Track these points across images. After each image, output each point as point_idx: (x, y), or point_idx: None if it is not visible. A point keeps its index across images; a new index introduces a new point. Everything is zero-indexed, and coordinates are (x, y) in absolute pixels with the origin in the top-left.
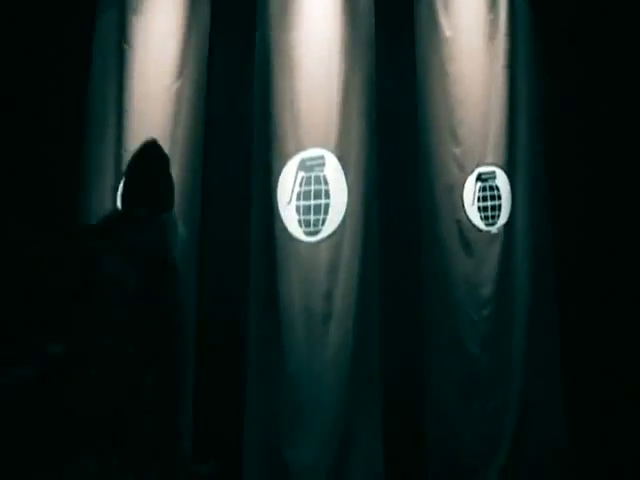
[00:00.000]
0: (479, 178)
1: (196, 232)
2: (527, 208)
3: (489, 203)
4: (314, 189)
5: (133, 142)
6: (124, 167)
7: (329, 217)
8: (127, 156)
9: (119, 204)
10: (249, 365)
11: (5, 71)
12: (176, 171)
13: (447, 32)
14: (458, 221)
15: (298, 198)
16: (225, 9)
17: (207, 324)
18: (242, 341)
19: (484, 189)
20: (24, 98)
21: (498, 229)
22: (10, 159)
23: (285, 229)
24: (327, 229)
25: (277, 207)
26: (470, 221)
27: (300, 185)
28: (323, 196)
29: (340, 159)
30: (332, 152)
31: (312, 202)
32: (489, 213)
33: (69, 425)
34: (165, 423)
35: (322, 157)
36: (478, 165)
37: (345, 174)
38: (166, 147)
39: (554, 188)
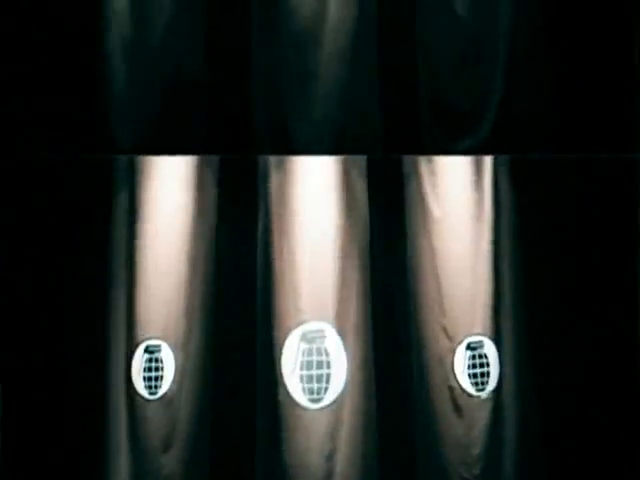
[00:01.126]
0: (468, 347)
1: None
2: (514, 373)
3: (478, 370)
4: (316, 360)
5: (146, 311)
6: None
7: (331, 386)
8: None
9: None
10: None
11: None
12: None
13: (436, 212)
14: (450, 387)
15: (301, 368)
16: (230, 189)
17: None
18: None
19: (473, 357)
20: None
21: (487, 394)
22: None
23: (289, 396)
24: (329, 397)
25: (281, 376)
26: (461, 387)
27: (303, 355)
28: (325, 366)
29: (339, 332)
30: (331, 325)
31: (314, 372)
32: (479, 379)
33: None
34: None
35: (322, 330)
36: (467, 335)
37: (344, 345)
38: (173, 315)
39: (539, 353)
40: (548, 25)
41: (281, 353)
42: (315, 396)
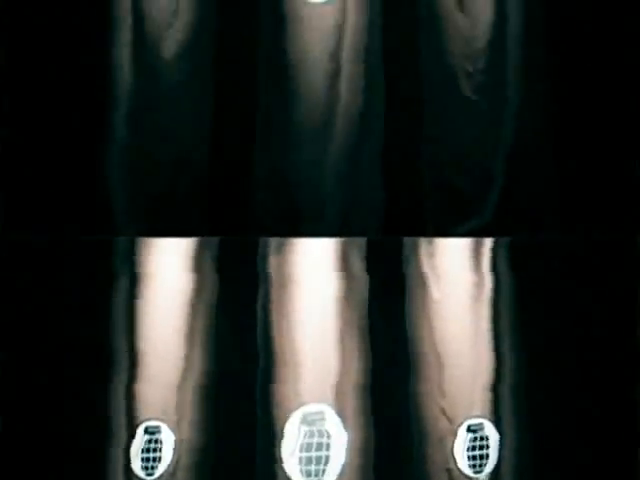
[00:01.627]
0: (468, 429)
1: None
2: (513, 455)
3: (477, 452)
4: (316, 442)
5: (146, 393)
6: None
7: (329, 467)
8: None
9: None
10: None
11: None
12: (186, 430)
13: (435, 294)
14: (448, 470)
15: (301, 449)
16: (229, 270)
17: None
18: None
19: (473, 439)
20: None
21: (486, 476)
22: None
23: (288, 479)
24: (327, 478)
25: (280, 458)
26: (459, 469)
27: (303, 437)
28: (324, 448)
29: (339, 414)
30: (331, 407)
31: (314, 454)
32: (477, 462)
33: None
34: None
35: (322, 412)
36: (466, 417)
37: (344, 427)
38: (172, 396)
39: (539, 434)
40: (555, 109)
41: (282, 435)
42: (313, 478)
